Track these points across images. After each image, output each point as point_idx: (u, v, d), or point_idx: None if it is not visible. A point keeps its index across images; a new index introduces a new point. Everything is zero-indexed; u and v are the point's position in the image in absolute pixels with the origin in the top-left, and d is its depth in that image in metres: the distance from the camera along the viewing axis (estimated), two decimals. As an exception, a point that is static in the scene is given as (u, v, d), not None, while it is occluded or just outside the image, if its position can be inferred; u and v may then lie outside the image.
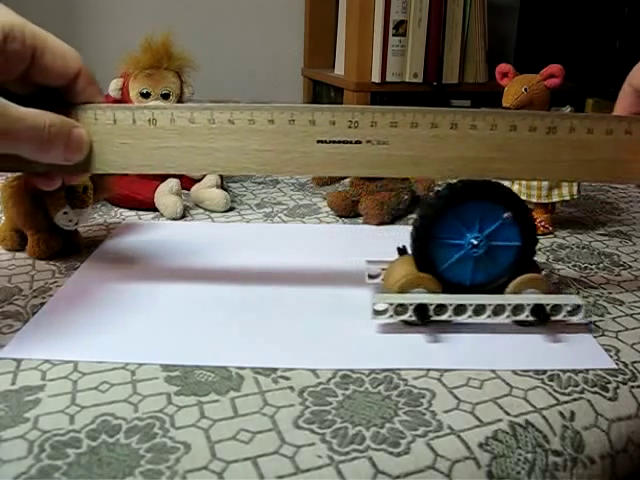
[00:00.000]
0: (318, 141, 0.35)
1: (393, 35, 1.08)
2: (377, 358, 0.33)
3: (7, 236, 0.47)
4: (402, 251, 0.40)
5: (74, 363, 0.32)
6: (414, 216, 0.59)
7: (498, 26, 1.34)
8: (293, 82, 1.42)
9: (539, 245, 0.41)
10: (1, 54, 0.30)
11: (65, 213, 0.45)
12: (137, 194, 0.58)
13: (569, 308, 0.35)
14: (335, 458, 0.26)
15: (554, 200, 0.53)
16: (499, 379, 0.32)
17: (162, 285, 0.42)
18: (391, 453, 0.26)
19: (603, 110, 1.00)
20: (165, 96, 0.59)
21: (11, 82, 0.33)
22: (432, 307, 0.35)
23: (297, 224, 0.56)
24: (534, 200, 0.53)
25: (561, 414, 0.29)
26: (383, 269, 0.40)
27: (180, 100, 0.61)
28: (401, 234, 0.54)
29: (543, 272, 0.38)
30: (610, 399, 0.31)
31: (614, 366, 0.33)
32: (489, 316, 0.36)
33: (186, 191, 0.62)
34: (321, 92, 1.34)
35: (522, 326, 0.37)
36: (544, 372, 0.32)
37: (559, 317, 0.36)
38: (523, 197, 0.52)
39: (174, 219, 0.57)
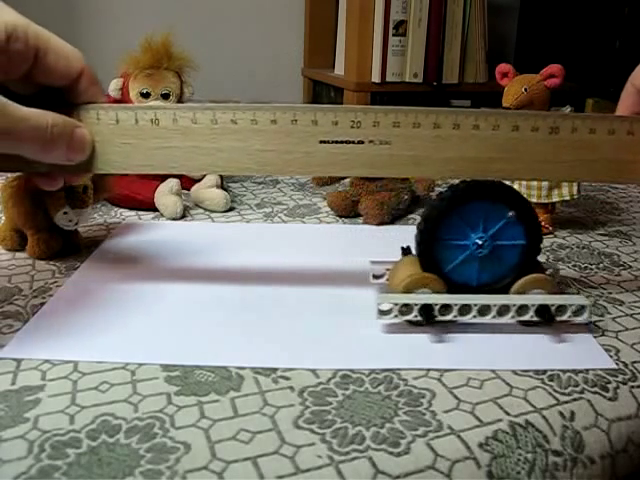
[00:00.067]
0: (320, 141, 0.35)
1: (393, 35, 1.08)
2: (377, 358, 0.33)
3: (7, 236, 0.47)
4: (406, 251, 0.40)
5: (74, 363, 0.32)
6: (414, 216, 0.59)
7: (498, 26, 1.34)
8: (293, 82, 1.42)
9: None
10: (4, 54, 0.30)
11: (65, 213, 0.45)
12: (137, 194, 0.58)
13: (574, 308, 0.35)
14: (335, 458, 0.26)
15: (554, 200, 0.53)
16: (499, 379, 0.32)
17: (162, 285, 0.42)
18: (391, 453, 0.26)
19: (603, 110, 1.00)
20: (165, 96, 0.59)
21: (14, 82, 0.33)
22: (437, 307, 0.35)
23: (297, 224, 0.56)
24: (534, 200, 0.53)
25: (561, 414, 0.29)
26: (387, 269, 0.40)
27: (180, 100, 0.61)
28: (401, 234, 0.54)
29: (547, 272, 0.38)
30: (610, 399, 0.31)
31: (614, 366, 0.33)
32: (494, 316, 0.36)
33: (186, 191, 0.62)
34: (321, 92, 1.34)
35: (523, 326, 0.37)
36: (544, 372, 0.32)
37: (564, 317, 0.36)
38: (523, 197, 0.52)
39: (174, 219, 0.57)
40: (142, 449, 0.26)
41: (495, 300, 0.36)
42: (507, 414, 0.29)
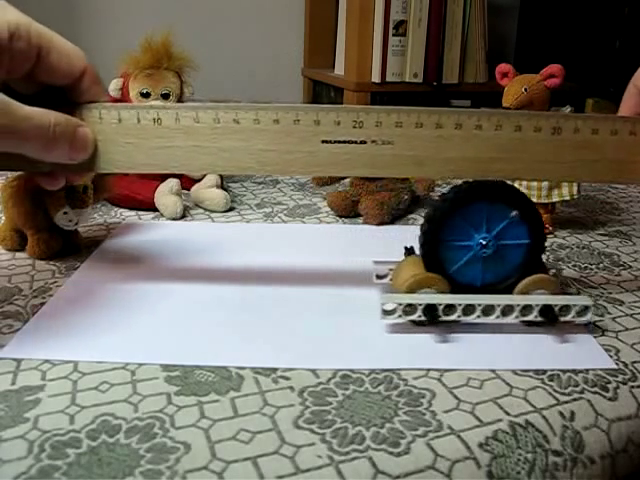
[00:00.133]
0: (323, 141, 0.35)
1: (393, 35, 1.08)
2: (377, 358, 0.33)
3: (7, 236, 0.47)
4: (409, 251, 0.40)
5: (74, 363, 0.32)
6: (414, 216, 0.59)
7: (498, 26, 1.34)
8: (293, 82, 1.42)
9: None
10: (7, 53, 0.30)
11: (65, 213, 0.45)
12: (137, 194, 0.58)
13: (578, 309, 0.35)
14: (335, 458, 0.26)
15: (554, 200, 0.53)
16: (499, 379, 0.32)
17: (162, 285, 0.42)
18: (391, 453, 0.26)
19: (603, 110, 1.00)
20: (165, 96, 0.59)
21: (16, 81, 0.33)
22: (441, 307, 0.35)
23: (297, 224, 0.56)
24: (534, 200, 0.52)
25: (561, 414, 0.29)
26: (391, 269, 0.40)
27: (180, 100, 0.61)
28: (401, 234, 0.54)
29: (551, 272, 0.38)
30: (610, 399, 0.31)
31: (614, 366, 0.33)
32: (498, 316, 0.36)
33: (186, 191, 0.62)
34: (321, 92, 1.34)
35: (523, 326, 0.37)
36: (544, 372, 0.32)
37: (568, 318, 0.36)
38: (523, 197, 0.52)
39: (174, 219, 0.57)
40: (142, 449, 0.26)
41: (499, 300, 0.36)
42: (507, 414, 0.29)
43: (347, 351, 0.34)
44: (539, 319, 0.35)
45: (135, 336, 0.35)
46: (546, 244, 0.37)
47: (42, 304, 0.39)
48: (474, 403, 0.30)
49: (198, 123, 0.34)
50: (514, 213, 0.35)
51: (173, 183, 0.57)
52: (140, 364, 0.32)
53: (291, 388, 0.31)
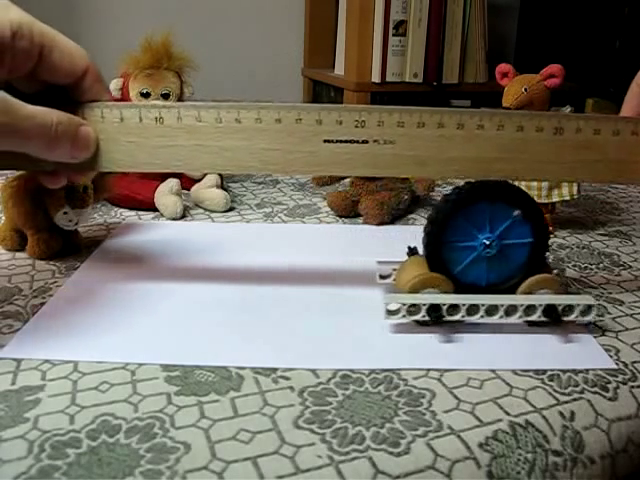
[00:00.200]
0: (325, 140, 0.35)
1: (393, 35, 1.08)
2: (377, 358, 0.33)
3: (7, 236, 0.47)
4: (412, 251, 0.40)
5: (74, 363, 0.32)
6: (414, 216, 0.59)
7: (498, 26, 1.34)
8: (293, 82, 1.42)
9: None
10: (9, 52, 0.30)
11: (65, 213, 0.45)
12: (137, 194, 0.58)
13: (581, 308, 0.35)
14: (335, 458, 0.26)
15: (554, 200, 0.53)
16: (499, 379, 0.32)
17: (163, 285, 0.42)
18: (391, 453, 0.26)
19: (603, 110, 1.00)
20: (165, 96, 0.59)
21: (19, 80, 0.33)
22: (445, 307, 0.35)
23: (297, 224, 0.56)
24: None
25: (561, 414, 0.29)
26: (394, 269, 0.40)
27: (180, 100, 0.61)
28: (401, 234, 0.54)
29: (554, 272, 0.38)
30: (610, 399, 0.31)
31: (614, 366, 0.33)
32: (501, 316, 0.36)
33: (186, 191, 0.62)
34: (321, 92, 1.34)
35: (523, 326, 0.37)
36: (544, 372, 0.32)
37: (571, 317, 0.36)
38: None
39: (174, 219, 0.57)
40: (142, 449, 0.26)
41: (503, 300, 0.36)
42: (507, 414, 0.29)
43: (347, 351, 0.34)
44: (543, 319, 0.35)
45: (135, 336, 0.35)
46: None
47: (42, 304, 0.39)
48: (474, 403, 0.30)
49: (200, 122, 0.34)
50: (517, 212, 0.35)
51: (173, 183, 0.57)
52: (140, 364, 0.32)
53: (291, 388, 0.31)
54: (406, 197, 0.59)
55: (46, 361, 0.32)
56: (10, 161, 0.34)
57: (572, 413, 0.29)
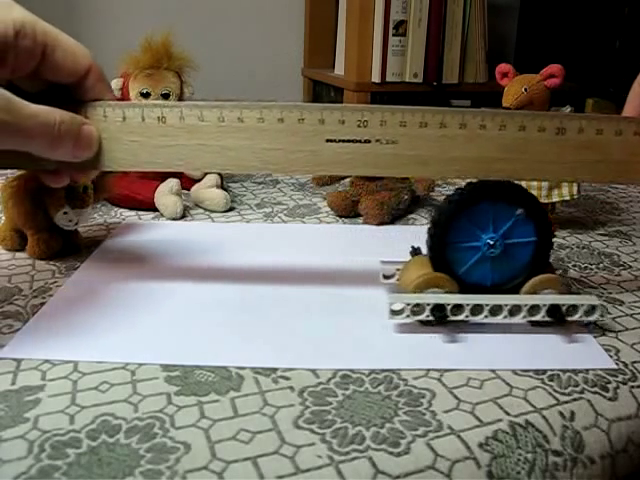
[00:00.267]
0: (327, 140, 0.35)
1: (393, 35, 1.08)
2: (377, 359, 0.33)
3: (7, 236, 0.47)
4: (416, 251, 0.40)
5: (74, 363, 0.32)
6: (414, 216, 0.59)
7: (498, 26, 1.34)
8: (293, 82, 1.42)
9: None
10: (12, 51, 0.30)
11: (65, 213, 0.45)
12: (137, 194, 0.58)
13: (585, 308, 0.35)
14: (335, 458, 0.26)
15: (554, 200, 0.53)
16: (499, 379, 0.32)
17: (162, 285, 0.42)
18: (391, 453, 0.26)
19: (603, 110, 1.00)
20: (165, 96, 0.59)
21: (22, 79, 0.33)
22: (449, 307, 0.35)
23: (297, 224, 0.56)
24: (534, 200, 0.53)
25: (561, 414, 0.29)
26: (398, 269, 0.40)
27: (180, 100, 0.61)
28: (401, 234, 0.54)
29: (557, 272, 0.38)
30: (610, 399, 0.31)
31: (614, 366, 0.33)
32: (505, 316, 0.36)
33: (186, 191, 0.62)
34: (321, 92, 1.34)
35: (523, 326, 0.37)
36: (544, 372, 0.32)
37: (575, 317, 0.36)
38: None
39: (174, 219, 0.57)
40: (142, 449, 0.26)
41: (507, 300, 0.36)
42: (507, 414, 0.29)
43: (347, 351, 0.34)
44: (547, 319, 0.35)
45: (135, 336, 0.35)
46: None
47: (42, 304, 0.39)
48: (474, 403, 0.30)
49: (203, 122, 0.34)
50: (520, 211, 0.35)
51: (173, 183, 0.57)
52: (140, 364, 0.32)
53: (291, 388, 0.31)
54: (406, 197, 0.59)
55: (46, 361, 0.32)
56: (12, 160, 0.34)
57: (572, 413, 0.29)
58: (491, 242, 0.36)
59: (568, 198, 0.52)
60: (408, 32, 1.08)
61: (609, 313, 0.39)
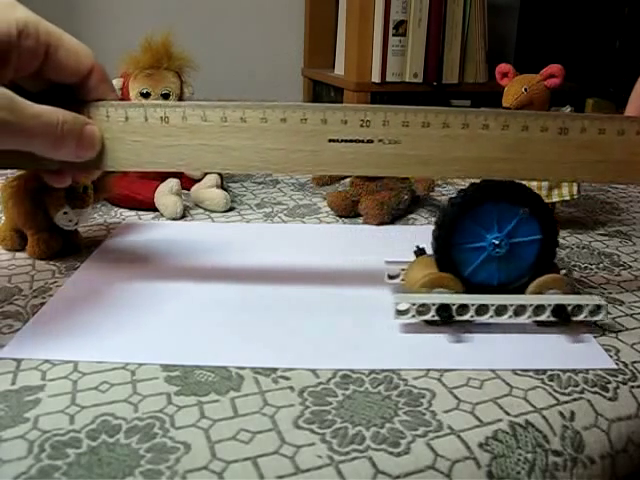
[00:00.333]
0: (330, 140, 0.35)
1: (393, 35, 1.07)
2: (377, 359, 0.33)
3: (7, 236, 0.47)
4: (421, 251, 0.40)
5: (74, 363, 0.32)
6: (414, 216, 0.59)
7: (498, 26, 1.34)
8: (293, 82, 1.42)
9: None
10: (15, 50, 0.30)
11: (65, 213, 0.45)
12: (137, 194, 0.58)
13: (590, 308, 0.35)
14: (335, 458, 0.26)
15: (554, 200, 0.53)
16: (499, 379, 0.32)
17: (162, 285, 0.42)
18: (391, 453, 0.26)
19: (603, 110, 1.00)
20: (165, 96, 0.59)
21: (25, 79, 0.33)
22: (455, 307, 0.35)
23: (297, 224, 0.56)
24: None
25: (561, 414, 0.29)
26: (403, 269, 0.40)
27: (180, 100, 0.61)
28: (401, 234, 0.54)
29: (562, 272, 0.38)
30: (610, 399, 0.31)
31: (614, 366, 0.33)
32: (510, 316, 0.36)
33: (186, 191, 0.62)
34: (321, 92, 1.34)
35: (524, 326, 0.37)
36: (544, 372, 0.32)
37: (580, 317, 0.36)
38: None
39: (174, 219, 0.57)
40: (142, 449, 0.26)
41: (513, 300, 0.36)
42: (507, 414, 0.29)
43: (347, 351, 0.34)
44: (552, 319, 0.35)
45: (135, 336, 0.35)
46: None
47: (42, 304, 0.39)
48: (474, 403, 0.30)
49: (205, 122, 0.34)
50: (523, 210, 0.36)
51: (173, 183, 0.57)
52: (140, 364, 0.32)
53: (291, 388, 0.31)
54: (406, 197, 0.59)
55: (46, 361, 0.32)
56: (15, 160, 0.34)
57: (572, 413, 0.29)
58: (496, 242, 0.36)
59: (568, 198, 0.52)
60: (408, 32, 1.08)
61: (609, 313, 0.39)
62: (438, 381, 0.31)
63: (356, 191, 0.58)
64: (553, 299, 0.36)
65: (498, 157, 0.35)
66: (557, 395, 0.30)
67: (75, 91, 0.34)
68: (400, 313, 0.35)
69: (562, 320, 0.35)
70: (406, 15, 1.07)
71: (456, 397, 0.30)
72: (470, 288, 0.36)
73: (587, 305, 0.35)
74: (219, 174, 0.62)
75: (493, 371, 0.32)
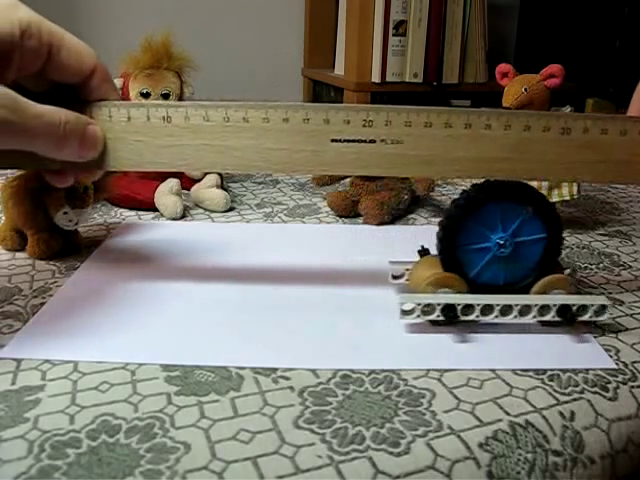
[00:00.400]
0: (332, 140, 0.35)
1: (393, 35, 1.08)
2: (377, 359, 0.33)
3: (7, 236, 0.47)
4: (425, 252, 0.40)
5: (74, 363, 0.32)
6: (414, 216, 0.59)
7: (498, 26, 1.34)
8: (293, 82, 1.42)
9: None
10: (18, 50, 0.30)
11: (65, 213, 0.45)
12: (137, 194, 0.58)
13: (595, 308, 0.35)
14: (335, 458, 0.26)
15: (554, 200, 0.53)
16: (499, 379, 0.32)
17: (162, 285, 0.42)
18: (391, 453, 0.26)
19: (603, 110, 1.00)
20: (165, 96, 0.59)
21: (27, 79, 0.33)
22: (460, 307, 0.35)
23: (297, 224, 0.56)
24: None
25: (561, 414, 0.29)
26: (407, 269, 0.40)
27: (180, 100, 0.61)
28: (401, 234, 0.54)
29: (566, 272, 0.38)
30: (610, 399, 0.31)
31: (614, 366, 0.33)
32: (515, 316, 0.36)
33: (186, 191, 0.62)
34: (321, 92, 1.34)
35: (524, 326, 0.37)
36: (544, 372, 0.32)
37: (585, 317, 0.36)
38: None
39: (174, 219, 0.57)
40: (142, 449, 0.26)
41: (517, 300, 0.36)
42: (507, 414, 0.29)
43: (347, 351, 0.34)
44: (557, 319, 0.35)
45: (135, 336, 0.35)
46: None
47: (42, 304, 0.39)
48: (474, 403, 0.30)
49: (208, 122, 0.34)
50: (527, 209, 0.35)
51: (173, 183, 0.57)
52: (140, 364, 0.32)
53: (291, 388, 0.31)
54: (406, 197, 0.59)
55: (46, 361, 0.32)
56: (17, 160, 0.34)
57: (572, 413, 0.29)
58: (501, 242, 0.36)
59: (568, 198, 0.52)
60: (408, 32, 1.08)
61: (609, 313, 0.39)
62: (438, 381, 0.31)
63: (356, 191, 0.58)
64: (558, 299, 0.36)
65: (499, 157, 0.35)
66: (557, 395, 0.30)
67: (78, 91, 0.34)
68: (405, 313, 0.35)
69: (567, 320, 0.35)
70: (406, 15, 1.08)
71: (456, 397, 0.30)
72: (476, 289, 0.36)
73: (592, 305, 0.35)
74: (219, 174, 0.62)
75: (493, 371, 0.32)
